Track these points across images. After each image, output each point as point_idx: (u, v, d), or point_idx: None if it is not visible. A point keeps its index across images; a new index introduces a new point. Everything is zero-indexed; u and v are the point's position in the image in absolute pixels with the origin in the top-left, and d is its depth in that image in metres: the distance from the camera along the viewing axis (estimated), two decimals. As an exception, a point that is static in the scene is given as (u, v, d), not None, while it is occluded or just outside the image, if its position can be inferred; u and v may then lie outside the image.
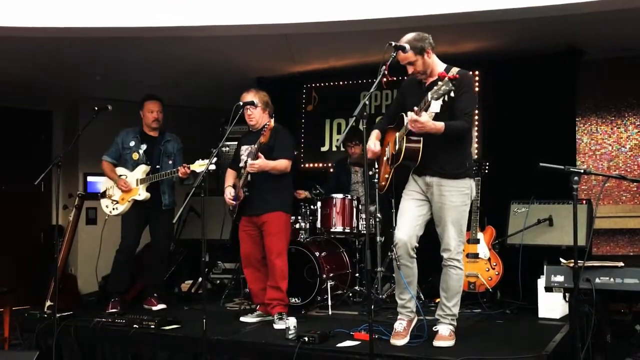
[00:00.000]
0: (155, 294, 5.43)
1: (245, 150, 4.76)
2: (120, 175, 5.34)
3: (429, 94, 3.45)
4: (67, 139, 7.79)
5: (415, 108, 3.51)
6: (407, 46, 3.65)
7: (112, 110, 4.81)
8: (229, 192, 4.72)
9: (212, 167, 4.75)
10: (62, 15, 4.99)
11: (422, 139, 3.69)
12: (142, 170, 5.29)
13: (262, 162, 4.48)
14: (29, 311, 5.11)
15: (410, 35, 3.73)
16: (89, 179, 7.72)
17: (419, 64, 3.72)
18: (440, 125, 3.54)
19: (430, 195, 3.84)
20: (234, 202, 4.70)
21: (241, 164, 4.72)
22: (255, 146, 4.51)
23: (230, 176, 4.87)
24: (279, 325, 4.44)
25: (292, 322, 4.08)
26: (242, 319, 4.74)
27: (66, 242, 5.62)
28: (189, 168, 4.97)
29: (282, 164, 4.60)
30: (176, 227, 6.44)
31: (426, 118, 3.51)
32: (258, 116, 4.70)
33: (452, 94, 3.47)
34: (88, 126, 4.82)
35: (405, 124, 3.68)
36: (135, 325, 4.50)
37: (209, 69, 6.47)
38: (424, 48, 3.71)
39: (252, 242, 4.73)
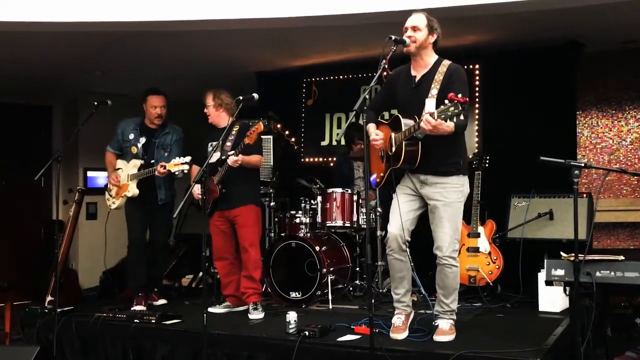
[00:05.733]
0: (155, 289, 5.43)
1: (210, 147, 4.83)
2: (118, 169, 5.28)
3: (436, 112, 3.40)
4: (66, 134, 7.78)
5: (429, 112, 3.46)
6: (423, 17, 3.75)
7: (112, 105, 4.82)
8: (197, 188, 4.68)
9: (186, 167, 4.79)
10: (61, 11, 4.97)
11: (420, 142, 3.68)
12: (133, 164, 5.20)
13: (241, 158, 4.62)
14: (30, 306, 5.12)
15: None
16: (89, 174, 7.73)
17: (420, 35, 3.73)
18: (452, 125, 3.51)
19: (424, 193, 3.82)
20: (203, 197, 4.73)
21: (212, 160, 4.64)
22: (239, 146, 4.61)
23: (196, 172, 4.86)
24: (253, 315, 4.60)
25: (292, 316, 4.08)
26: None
27: (66, 237, 5.64)
28: (164, 167, 4.89)
29: (256, 158, 4.81)
30: (177, 222, 6.44)
31: (439, 121, 3.45)
32: (213, 114, 4.92)
33: (445, 87, 3.53)
34: (88, 121, 4.83)
35: (403, 128, 3.68)
36: (136, 320, 4.51)
37: (208, 63, 6.45)
38: (434, 29, 3.76)
39: (223, 236, 4.88)
